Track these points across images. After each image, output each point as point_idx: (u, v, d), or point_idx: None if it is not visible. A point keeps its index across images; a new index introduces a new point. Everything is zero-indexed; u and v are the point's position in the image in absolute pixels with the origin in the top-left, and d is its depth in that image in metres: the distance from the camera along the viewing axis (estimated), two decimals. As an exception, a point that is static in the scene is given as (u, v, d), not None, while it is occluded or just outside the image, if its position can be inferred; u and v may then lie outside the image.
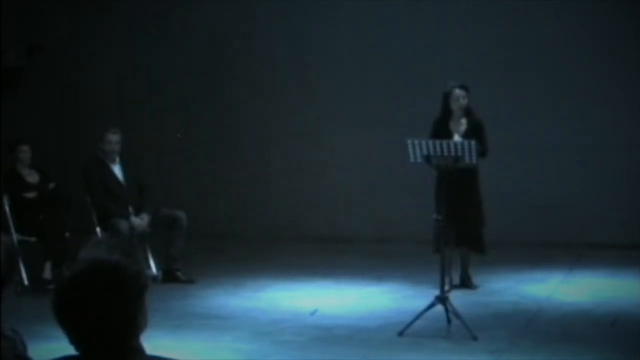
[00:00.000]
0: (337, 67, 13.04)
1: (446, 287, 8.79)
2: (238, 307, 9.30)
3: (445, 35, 12.65)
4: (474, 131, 9.61)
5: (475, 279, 10.13)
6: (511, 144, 12.20)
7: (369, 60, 12.93)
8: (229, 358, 7.59)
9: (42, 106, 13.70)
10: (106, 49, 13.57)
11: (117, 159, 10.64)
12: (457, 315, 8.26)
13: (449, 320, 8.35)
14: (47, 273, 10.04)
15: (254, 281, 10.39)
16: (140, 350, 2.53)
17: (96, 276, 2.47)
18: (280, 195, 13.24)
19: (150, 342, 2.62)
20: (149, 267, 10.50)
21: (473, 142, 8.67)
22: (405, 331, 8.16)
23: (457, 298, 8.79)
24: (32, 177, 10.60)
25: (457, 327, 8.21)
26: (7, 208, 10.24)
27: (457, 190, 9.15)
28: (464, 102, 9.76)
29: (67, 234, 10.17)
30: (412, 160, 8.63)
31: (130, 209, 10.45)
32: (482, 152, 9.24)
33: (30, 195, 10.42)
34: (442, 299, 8.38)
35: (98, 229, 10.42)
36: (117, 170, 10.62)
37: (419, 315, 8.27)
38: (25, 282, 9.82)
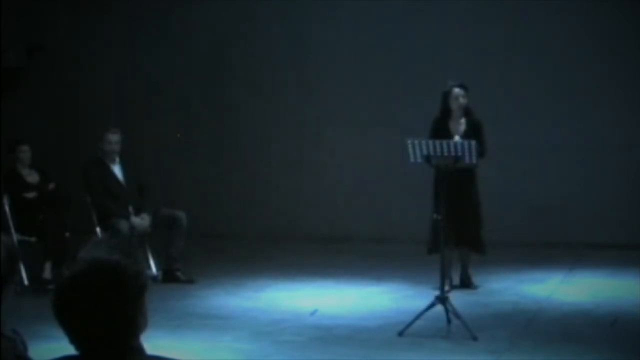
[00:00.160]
0: (337, 67, 13.04)
1: (446, 288, 8.79)
2: (238, 307, 9.30)
3: (445, 35, 12.65)
4: (473, 131, 9.61)
5: (475, 279, 10.13)
6: (511, 144, 12.21)
7: (369, 60, 12.93)
8: (229, 358, 7.59)
9: (42, 106, 13.70)
10: (106, 49, 13.57)
11: (117, 159, 10.64)
12: (457, 315, 8.26)
13: (449, 320, 8.35)
14: (47, 273, 10.05)
15: (254, 281, 10.39)
16: (140, 350, 2.53)
17: (96, 276, 2.47)
18: (280, 195, 13.24)
19: (150, 342, 2.61)
20: (149, 267, 10.50)
21: (473, 142, 8.68)
22: (405, 331, 8.16)
23: (457, 298, 8.79)
24: (32, 177, 10.60)
25: (457, 327, 8.21)
26: (7, 208, 10.25)
27: (456, 190, 9.16)
28: (463, 101, 9.76)
29: (67, 234, 10.18)
30: (412, 160, 8.63)
31: (131, 209, 10.45)
32: (480, 152, 9.24)
33: (30, 195, 10.43)
34: (442, 299, 8.38)
35: (98, 229, 10.42)
36: (117, 170, 10.62)
37: (419, 315, 8.27)
38: (25, 282, 9.82)
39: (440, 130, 9.64)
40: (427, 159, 8.60)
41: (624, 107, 12.34)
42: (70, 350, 2.52)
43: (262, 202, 13.28)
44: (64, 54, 13.69)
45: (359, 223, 12.85)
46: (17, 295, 9.05)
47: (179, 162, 13.42)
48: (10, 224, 10.15)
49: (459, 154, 8.59)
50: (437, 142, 8.66)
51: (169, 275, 10.43)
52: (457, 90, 9.78)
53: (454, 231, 9.32)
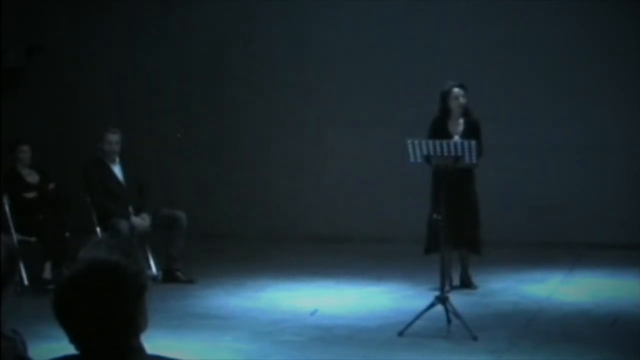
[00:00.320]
0: (337, 67, 13.04)
1: (446, 288, 8.79)
2: (238, 307, 9.30)
3: (445, 35, 12.65)
4: (471, 131, 9.60)
5: (475, 279, 10.12)
6: (511, 144, 12.21)
7: (369, 60, 12.93)
8: (229, 358, 7.59)
9: (42, 106, 13.70)
10: (106, 49, 13.57)
11: (117, 159, 10.64)
12: (457, 316, 8.26)
13: (449, 320, 8.35)
14: (47, 273, 10.04)
15: (254, 281, 10.39)
16: (140, 350, 2.53)
17: (96, 276, 2.47)
18: (280, 195, 13.24)
19: (150, 342, 2.62)
20: (149, 267, 10.49)
21: (473, 142, 8.68)
22: (405, 331, 8.15)
23: (457, 298, 8.79)
24: (32, 177, 10.60)
25: (457, 327, 8.21)
26: (7, 208, 10.24)
27: (456, 191, 9.15)
28: (463, 101, 9.75)
29: (67, 234, 10.17)
30: (412, 160, 8.63)
31: (131, 209, 10.45)
32: (479, 152, 9.24)
33: (30, 195, 10.42)
34: (442, 299, 8.38)
35: (98, 229, 10.42)
36: (117, 170, 10.62)
37: (419, 315, 8.26)
38: (25, 282, 9.83)
39: (440, 130, 9.64)
40: (427, 159, 8.60)
41: (624, 107, 12.34)
42: (70, 350, 2.53)
43: (262, 202, 13.28)
44: (64, 54, 13.69)
45: (359, 223, 12.85)
46: (17, 295, 9.05)
47: (179, 162, 13.42)
48: (10, 224, 10.15)
49: (459, 153, 8.59)
50: (437, 142, 8.65)
51: (169, 275, 10.43)
52: (456, 90, 9.78)
53: (452, 231, 9.31)
